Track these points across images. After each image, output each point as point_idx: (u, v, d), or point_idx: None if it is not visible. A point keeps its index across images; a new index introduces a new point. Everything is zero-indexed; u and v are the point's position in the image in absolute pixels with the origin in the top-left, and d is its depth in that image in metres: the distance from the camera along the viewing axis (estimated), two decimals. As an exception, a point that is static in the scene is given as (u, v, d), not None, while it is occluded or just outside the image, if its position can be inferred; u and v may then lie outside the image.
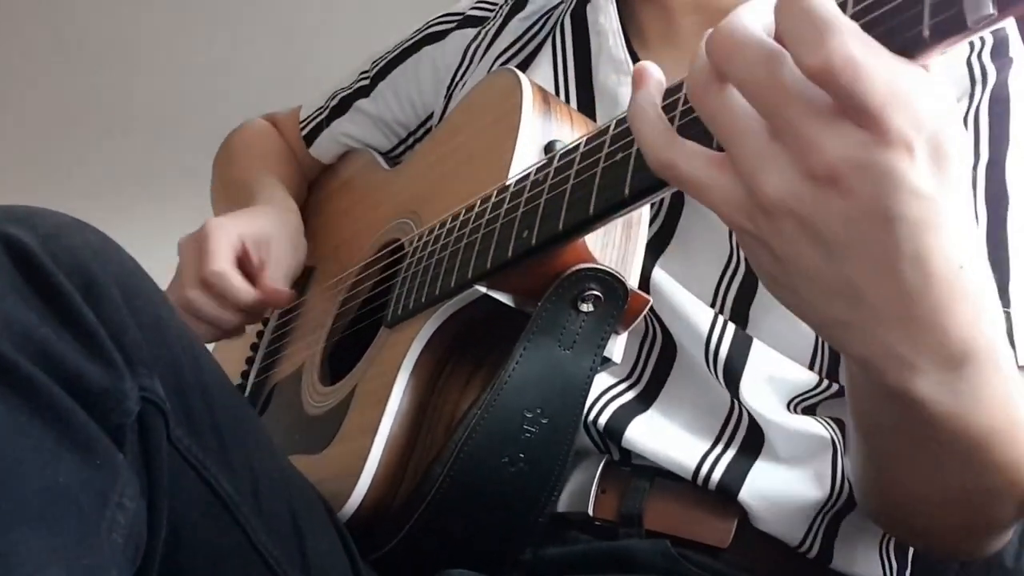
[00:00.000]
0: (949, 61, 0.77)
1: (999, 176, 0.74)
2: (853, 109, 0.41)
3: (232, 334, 0.96)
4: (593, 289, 0.68)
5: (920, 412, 0.51)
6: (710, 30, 0.45)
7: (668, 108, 0.52)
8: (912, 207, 0.42)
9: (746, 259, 0.57)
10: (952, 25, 0.41)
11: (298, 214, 1.05)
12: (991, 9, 0.39)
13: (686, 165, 0.47)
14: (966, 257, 0.45)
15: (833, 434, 0.78)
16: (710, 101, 0.45)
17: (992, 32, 0.77)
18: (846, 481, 0.77)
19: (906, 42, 0.42)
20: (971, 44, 0.78)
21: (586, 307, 0.69)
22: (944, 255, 0.44)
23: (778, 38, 0.43)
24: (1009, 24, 0.77)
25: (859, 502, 0.75)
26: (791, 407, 0.78)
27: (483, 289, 0.70)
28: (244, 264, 0.94)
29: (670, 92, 0.53)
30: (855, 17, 0.44)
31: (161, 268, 0.76)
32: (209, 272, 0.90)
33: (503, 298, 0.71)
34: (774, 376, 0.77)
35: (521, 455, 0.69)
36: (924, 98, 0.42)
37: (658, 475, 0.78)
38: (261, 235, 0.96)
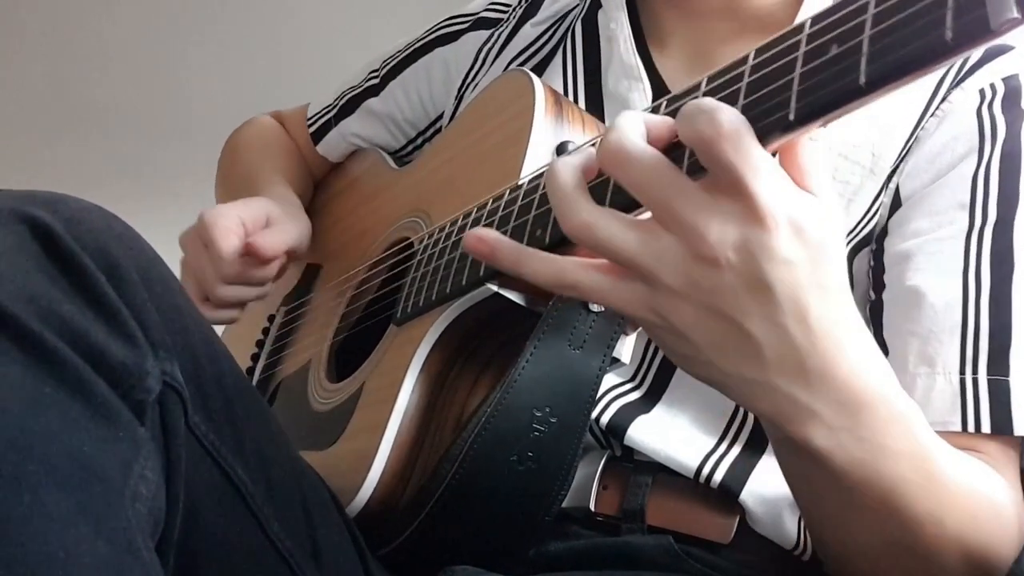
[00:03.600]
0: (959, 112, 0.77)
1: (1006, 237, 0.73)
2: (728, 182, 0.48)
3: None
4: None
5: (825, 462, 0.57)
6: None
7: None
8: (783, 272, 0.50)
9: None
10: (976, 28, 0.41)
11: (298, 202, 1.04)
12: (1015, 12, 0.39)
13: (583, 277, 0.54)
14: (840, 315, 0.52)
15: None
16: (599, 232, 0.52)
17: (1004, 80, 0.77)
18: None
19: (929, 45, 0.43)
20: (981, 93, 0.77)
21: (596, 307, 0.69)
22: (820, 313, 0.51)
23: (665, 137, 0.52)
24: (1022, 71, 0.77)
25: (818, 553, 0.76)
26: None
27: (494, 288, 0.71)
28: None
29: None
30: (877, 19, 0.45)
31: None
32: (227, 274, 0.90)
33: (514, 297, 0.71)
34: None
35: (530, 454, 0.70)
36: (781, 179, 0.50)
37: (660, 471, 0.79)
38: (259, 214, 0.95)
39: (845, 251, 0.54)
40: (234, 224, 0.91)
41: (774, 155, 0.51)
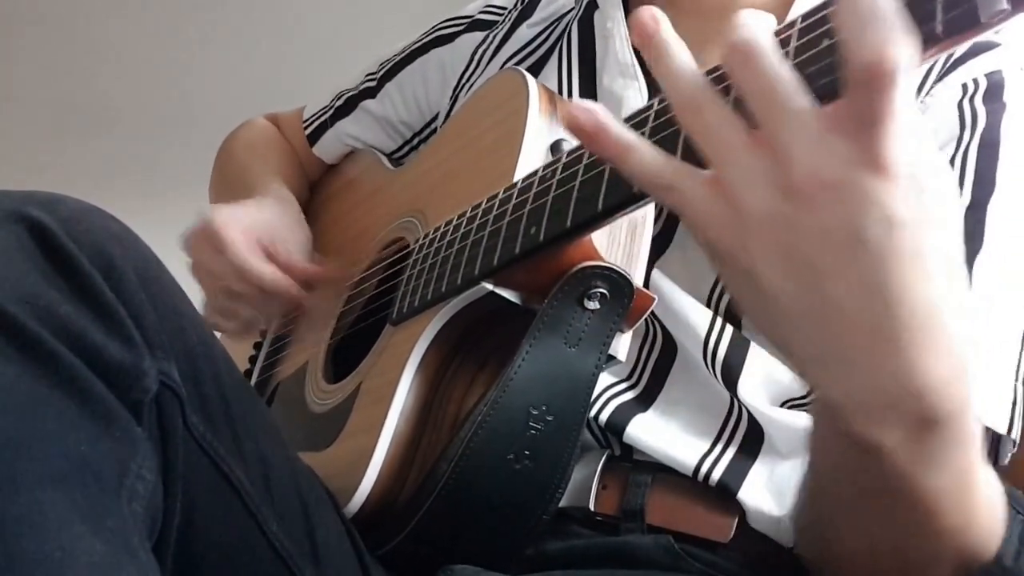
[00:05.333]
0: (940, 105, 0.77)
1: (977, 221, 0.73)
2: (866, 120, 0.41)
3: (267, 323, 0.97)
4: (599, 287, 0.68)
5: (878, 463, 0.50)
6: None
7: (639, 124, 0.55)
8: (885, 232, 0.42)
9: None
10: (965, 21, 0.41)
11: (296, 204, 1.05)
12: (1005, 4, 0.39)
13: (680, 181, 0.47)
14: (951, 302, 0.44)
15: None
16: (702, 117, 0.46)
17: (987, 75, 0.77)
18: None
19: (919, 37, 0.42)
20: (964, 87, 0.77)
21: (592, 305, 0.69)
22: (923, 294, 0.43)
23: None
24: (1006, 68, 0.77)
25: (797, 546, 0.73)
26: (784, 408, 0.79)
27: (489, 286, 0.71)
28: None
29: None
30: None
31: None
32: (253, 275, 0.90)
33: (509, 295, 0.71)
34: (770, 376, 0.78)
35: (526, 452, 0.69)
36: (925, 141, 0.43)
37: (659, 470, 0.78)
38: (267, 223, 0.96)
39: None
40: (245, 226, 0.92)
41: None
